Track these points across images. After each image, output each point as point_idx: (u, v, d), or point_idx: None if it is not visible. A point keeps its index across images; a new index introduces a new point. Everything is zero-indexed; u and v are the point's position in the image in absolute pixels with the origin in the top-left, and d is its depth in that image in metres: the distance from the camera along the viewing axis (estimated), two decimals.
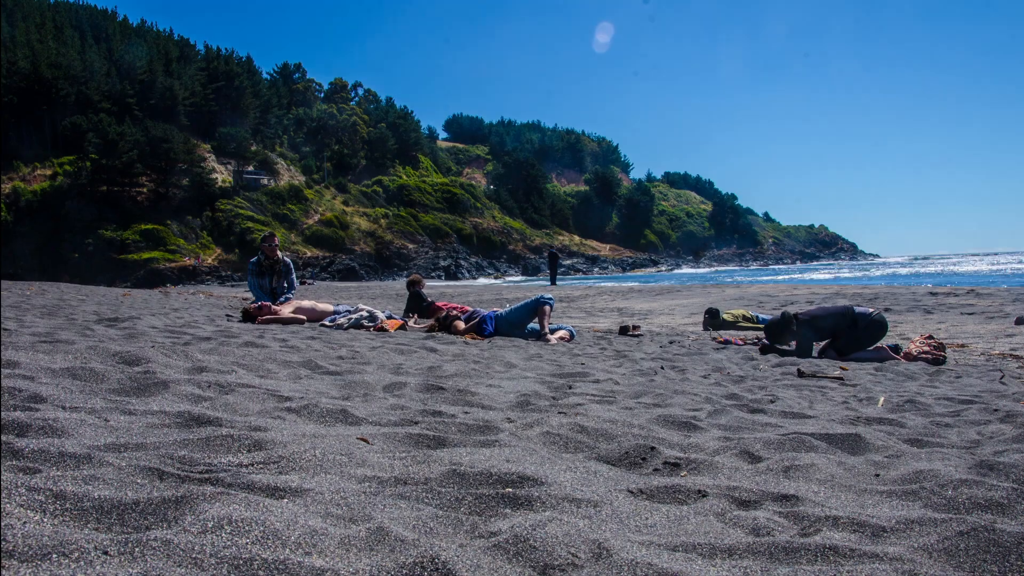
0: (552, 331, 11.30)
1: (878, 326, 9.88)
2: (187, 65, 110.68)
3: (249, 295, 25.18)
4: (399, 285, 49.90)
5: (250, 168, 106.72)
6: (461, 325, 11.51)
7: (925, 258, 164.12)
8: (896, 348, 9.76)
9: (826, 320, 10.01)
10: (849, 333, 9.89)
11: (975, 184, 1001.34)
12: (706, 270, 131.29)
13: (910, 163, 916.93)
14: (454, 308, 12.85)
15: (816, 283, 36.54)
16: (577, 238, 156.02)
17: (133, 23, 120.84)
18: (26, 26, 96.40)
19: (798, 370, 7.73)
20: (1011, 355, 9.90)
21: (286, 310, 12.01)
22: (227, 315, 13.37)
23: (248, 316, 11.79)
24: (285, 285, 13.37)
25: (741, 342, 11.72)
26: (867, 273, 68.11)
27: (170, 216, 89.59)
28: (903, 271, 70.27)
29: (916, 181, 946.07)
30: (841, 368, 8.29)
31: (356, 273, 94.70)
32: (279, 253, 13.40)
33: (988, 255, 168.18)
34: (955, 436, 4.34)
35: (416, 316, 13.98)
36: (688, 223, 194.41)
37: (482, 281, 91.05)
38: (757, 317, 15.57)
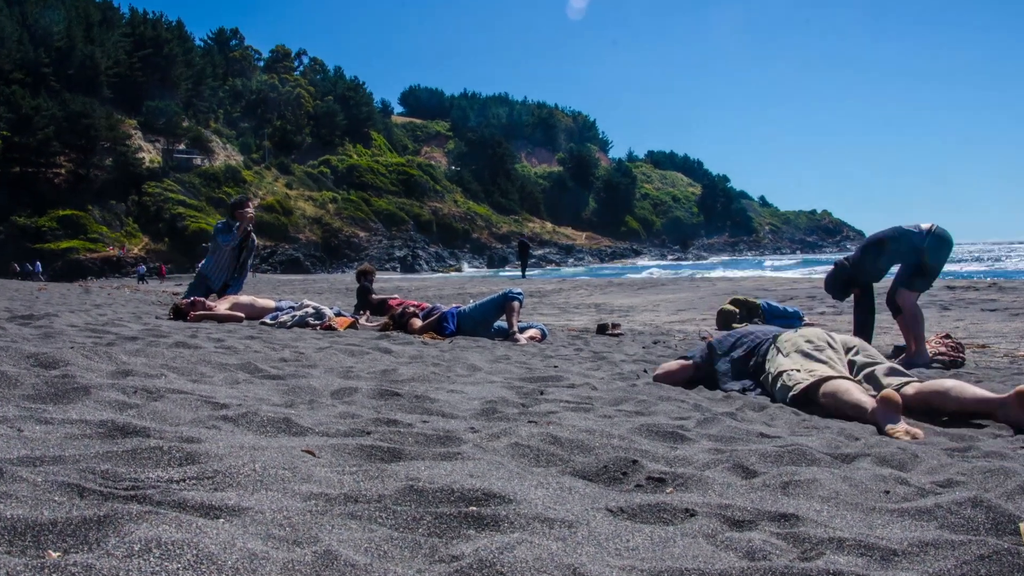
0: (521, 330, 11.30)
1: (943, 242, 9.30)
2: (110, 31, 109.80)
3: (180, 290, 25.04)
4: (349, 278, 49.78)
5: (181, 146, 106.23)
6: (418, 323, 11.51)
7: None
8: (905, 349, 9.68)
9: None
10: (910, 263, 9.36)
11: (1003, 166, 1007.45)
12: (695, 261, 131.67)
13: (926, 144, 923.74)
14: (410, 305, 12.83)
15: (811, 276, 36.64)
16: (550, 225, 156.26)
17: None
18: None
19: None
20: None
21: (222, 306, 11.95)
22: (160, 314, 13.29)
23: (179, 313, 11.71)
24: (250, 264, 13.33)
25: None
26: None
27: (91, 201, 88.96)
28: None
29: (933, 163, 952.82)
30: None
31: (301, 265, 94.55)
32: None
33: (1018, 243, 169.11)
34: (973, 448, 4.36)
35: (368, 313, 13.97)
36: (674, 208, 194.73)
37: (443, 274, 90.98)
38: (760, 307, 15.55)
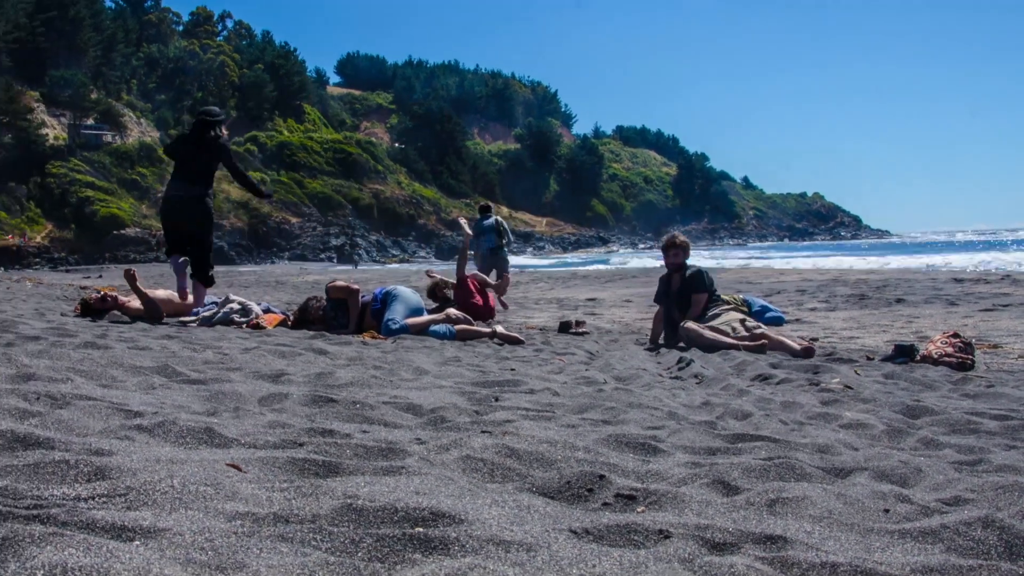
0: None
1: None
2: None
3: (89, 283, 24.84)
4: (280, 270, 49.52)
5: (90, 121, 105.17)
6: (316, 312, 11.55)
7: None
8: (912, 349, 9.67)
9: None
10: None
11: (1012, 143, 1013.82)
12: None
13: (928, 118, 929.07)
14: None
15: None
16: (506, 210, 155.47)
17: None
18: None
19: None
20: None
21: (135, 302, 11.87)
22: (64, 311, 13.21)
23: (88, 309, 11.64)
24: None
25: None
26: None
27: None
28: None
29: (937, 144, 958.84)
30: (855, 372, 8.38)
31: (225, 255, 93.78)
32: None
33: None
34: (984, 461, 4.37)
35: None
36: (647, 191, 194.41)
37: (388, 265, 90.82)
38: (751, 305, 15.56)
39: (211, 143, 12.46)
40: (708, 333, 10.90)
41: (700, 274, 11.89)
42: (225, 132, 13.74)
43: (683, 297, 11.81)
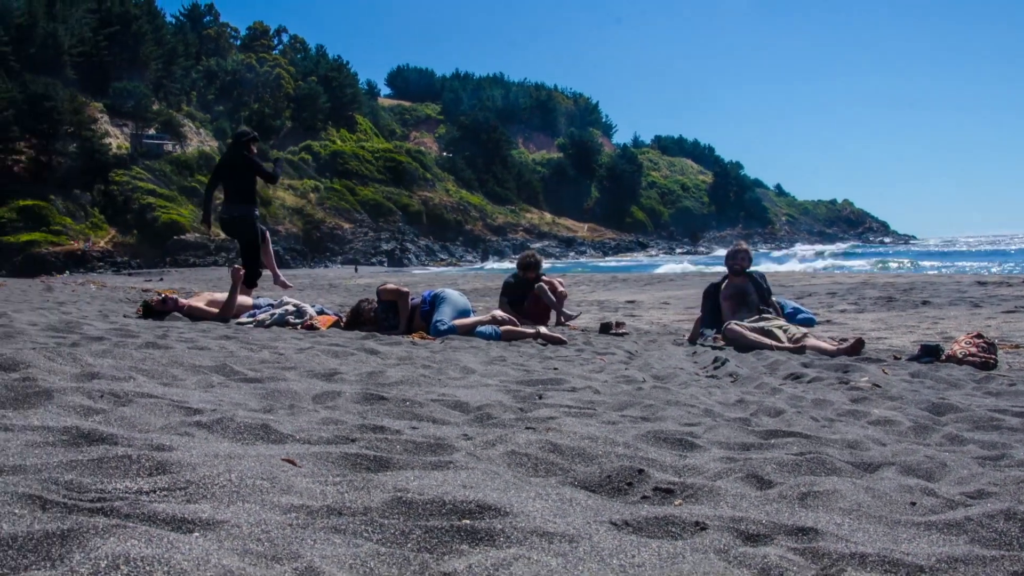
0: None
1: None
2: (74, 7, 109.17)
3: (151, 286, 24.98)
4: (333, 273, 49.62)
5: (151, 131, 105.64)
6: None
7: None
8: (937, 349, 9.62)
9: None
10: None
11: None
12: (706, 255, 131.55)
13: (956, 127, 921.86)
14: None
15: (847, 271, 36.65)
16: (549, 216, 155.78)
17: None
18: None
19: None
20: None
21: (198, 302, 11.94)
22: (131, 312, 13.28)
23: (150, 311, 11.69)
24: None
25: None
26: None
27: (53, 190, 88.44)
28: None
29: (962, 151, 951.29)
30: (883, 370, 8.35)
31: (280, 259, 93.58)
32: None
33: None
34: (1007, 456, 4.34)
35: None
36: (684, 198, 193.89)
37: (435, 268, 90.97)
38: (783, 307, 15.60)
39: (240, 163, 13.20)
40: (751, 335, 10.97)
41: (763, 276, 12.79)
42: (255, 149, 14.26)
43: (740, 297, 12.34)
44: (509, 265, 74.39)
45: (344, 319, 11.91)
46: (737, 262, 12.56)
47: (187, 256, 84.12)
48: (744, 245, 12.90)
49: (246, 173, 13.85)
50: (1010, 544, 2.76)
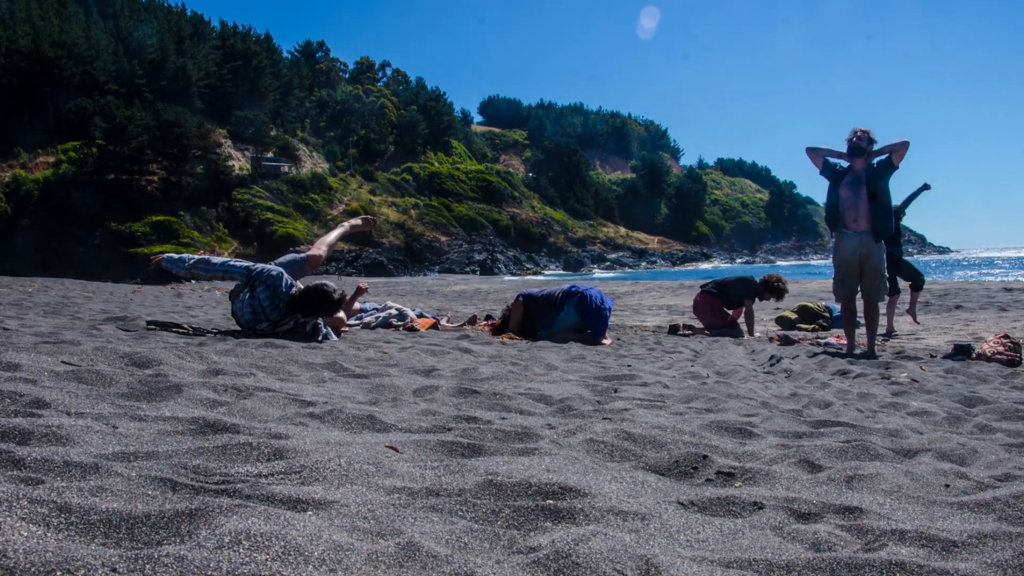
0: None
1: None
2: (201, 43, 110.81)
3: None
4: (430, 281, 49.94)
5: (269, 155, 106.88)
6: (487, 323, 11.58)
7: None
8: (969, 348, 9.71)
9: None
10: None
11: None
12: (762, 264, 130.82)
13: (987, 147, 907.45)
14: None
15: None
16: (623, 230, 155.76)
17: None
18: (26, 1, 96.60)
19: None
20: None
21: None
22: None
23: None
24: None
25: (807, 341, 11.83)
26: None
27: (183, 207, 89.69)
28: None
29: (994, 168, 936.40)
30: (920, 367, 8.31)
31: (384, 268, 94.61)
32: None
33: None
34: None
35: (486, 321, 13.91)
36: (743, 214, 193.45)
37: (521, 276, 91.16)
38: (831, 311, 15.56)
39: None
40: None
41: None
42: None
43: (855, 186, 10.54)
44: (591, 276, 74.14)
45: (488, 323, 12.06)
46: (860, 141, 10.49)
47: None
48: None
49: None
50: None
